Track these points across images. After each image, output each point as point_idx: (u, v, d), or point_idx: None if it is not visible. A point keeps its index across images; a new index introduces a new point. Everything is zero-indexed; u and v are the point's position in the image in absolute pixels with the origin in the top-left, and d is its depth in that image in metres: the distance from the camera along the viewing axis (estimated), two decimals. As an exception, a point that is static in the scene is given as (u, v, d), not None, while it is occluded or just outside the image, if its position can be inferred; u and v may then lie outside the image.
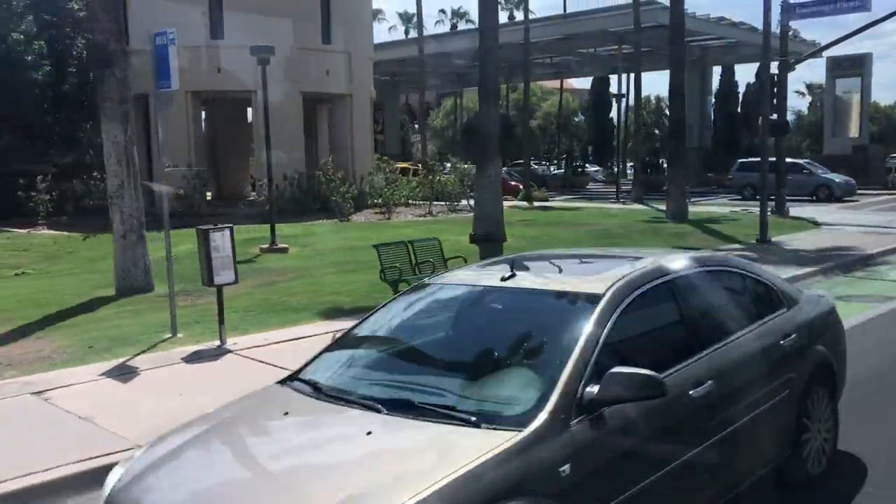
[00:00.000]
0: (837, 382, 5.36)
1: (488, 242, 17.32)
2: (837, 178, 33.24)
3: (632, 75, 38.18)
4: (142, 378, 7.48)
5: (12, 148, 24.39)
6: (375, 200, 25.92)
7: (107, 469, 4.09)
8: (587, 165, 67.41)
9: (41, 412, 6.50)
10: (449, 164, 27.56)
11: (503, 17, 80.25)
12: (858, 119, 41.66)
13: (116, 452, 5.44)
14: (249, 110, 29.46)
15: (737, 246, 17.17)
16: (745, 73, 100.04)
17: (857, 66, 41.12)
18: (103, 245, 20.62)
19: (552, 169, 63.58)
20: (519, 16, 77.56)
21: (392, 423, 3.53)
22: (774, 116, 22.16)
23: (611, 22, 39.80)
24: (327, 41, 26.59)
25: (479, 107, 17.71)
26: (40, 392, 6.97)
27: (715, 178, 45.00)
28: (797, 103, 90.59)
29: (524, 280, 4.54)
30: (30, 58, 23.95)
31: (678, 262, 4.73)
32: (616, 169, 46.49)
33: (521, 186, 36.55)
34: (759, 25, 26.01)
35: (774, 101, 22.70)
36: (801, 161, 35.12)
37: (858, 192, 33.77)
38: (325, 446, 3.63)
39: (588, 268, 5.15)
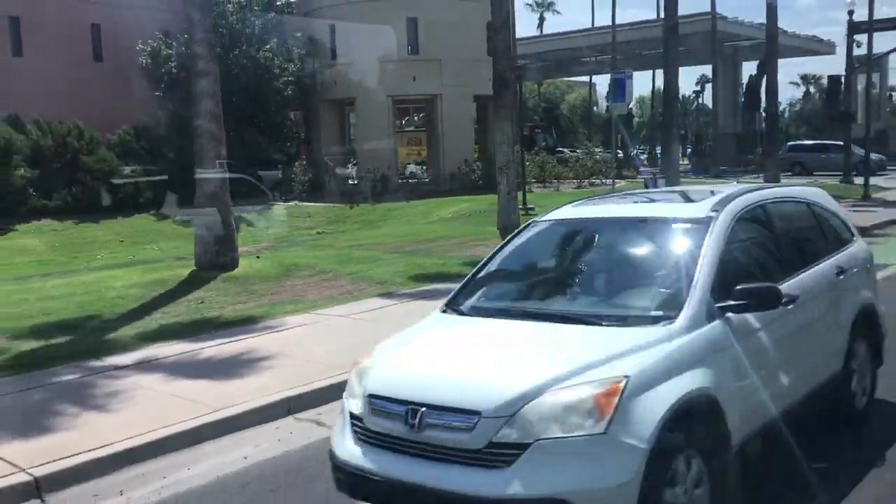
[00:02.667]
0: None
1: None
2: (873, 156, 40.98)
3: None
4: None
5: (259, 141, 31.25)
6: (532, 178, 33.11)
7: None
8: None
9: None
10: (580, 150, 34.69)
11: (534, 17, 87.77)
12: (877, 107, 49.59)
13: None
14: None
15: (850, 200, 24.69)
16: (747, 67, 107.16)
17: (876, 62, 48.97)
18: (369, 212, 27.77)
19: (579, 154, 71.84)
20: (549, 16, 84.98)
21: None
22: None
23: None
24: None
25: (665, 107, 25.15)
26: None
27: (755, 160, 52.92)
28: (794, 93, 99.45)
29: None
30: (276, 70, 30.87)
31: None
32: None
33: (603, 168, 44.01)
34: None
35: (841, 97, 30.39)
36: (841, 143, 42.90)
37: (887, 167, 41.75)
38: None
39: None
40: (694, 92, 58.18)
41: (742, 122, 63.33)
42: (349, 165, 32.09)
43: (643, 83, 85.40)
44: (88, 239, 24.65)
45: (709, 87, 77.94)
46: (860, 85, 51.26)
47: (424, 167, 38.50)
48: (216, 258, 13.34)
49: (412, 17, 31.60)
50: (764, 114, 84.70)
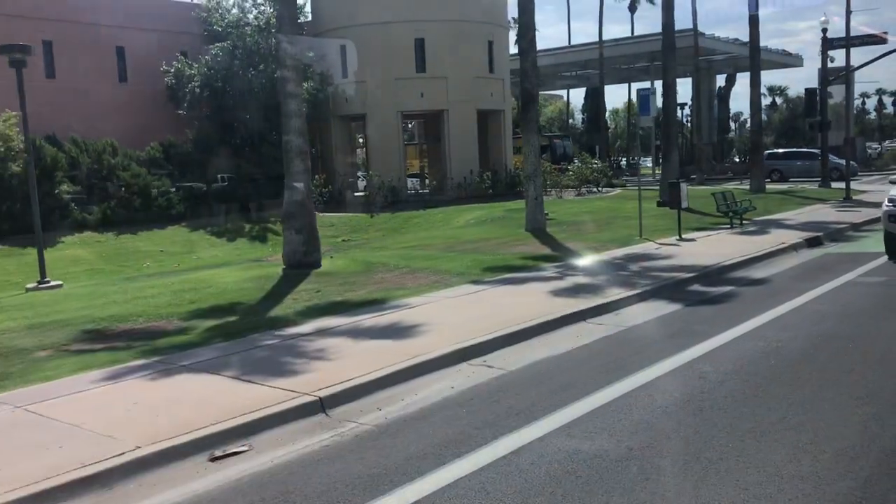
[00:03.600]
0: None
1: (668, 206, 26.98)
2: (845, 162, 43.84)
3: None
4: (674, 247, 16.75)
5: (275, 155, 32.95)
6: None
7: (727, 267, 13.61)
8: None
9: (660, 256, 15.76)
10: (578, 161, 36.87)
11: (511, 35, 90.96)
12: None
13: (723, 262, 14.65)
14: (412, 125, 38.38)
15: (833, 202, 27.12)
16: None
17: (847, 75, 51.99)
18: (389, 221, 29.57)
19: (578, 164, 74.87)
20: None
21: None
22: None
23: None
24: (492, 71, 35.81)
25: (665, 122, 27.38)
26: (660, 245, 16.27)
27: (731, 167, 55.82)
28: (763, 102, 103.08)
29: None
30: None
31: None
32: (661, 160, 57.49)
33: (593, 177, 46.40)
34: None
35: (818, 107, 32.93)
36: (816, 150, 45.77)
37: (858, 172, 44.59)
38: None
39: None
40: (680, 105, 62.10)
41: (717, 131, 66.45)
42: (360, 177, 33.91)
43: (619, 96, 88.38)
44: (131, 249, 26.18)
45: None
46: (833, 97, 54.51)
47: (424, 179, 40.50)
48: (304, 257, 15.16)
49: (419, 37, 33.61)
50: (732, 123, 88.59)
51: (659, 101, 30.47)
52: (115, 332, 10.16)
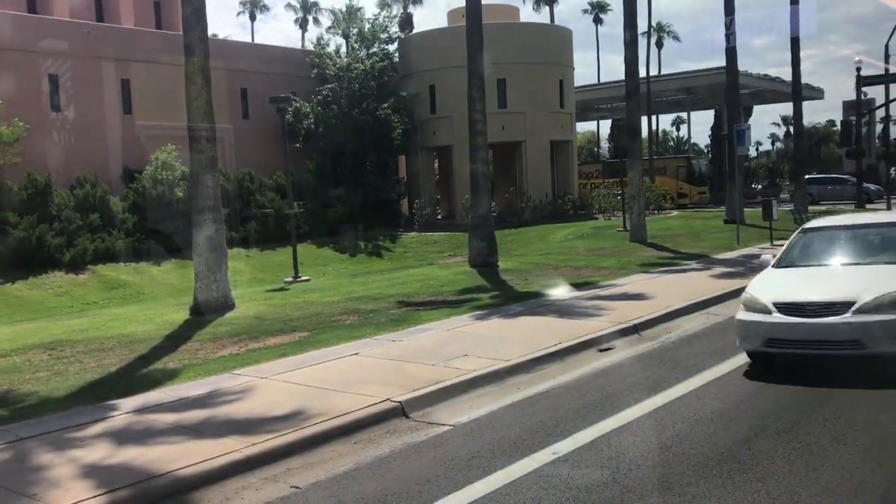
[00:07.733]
0: None
1: (734, 223, 31.07)
2: (872, 186, 48.18)
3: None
4: (775, 250, 20.92)
5: (374, 182, 37.35)
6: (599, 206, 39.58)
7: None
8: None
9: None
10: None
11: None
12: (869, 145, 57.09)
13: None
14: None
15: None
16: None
17: (865, 105, 56.56)
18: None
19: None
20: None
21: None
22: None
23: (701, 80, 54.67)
24: (562, 106, 40.30)
25: (730, 152, 31.57)
26: (762, 249, 20.47)
27: (760, 192, 60.29)
28: (763, 132, 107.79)
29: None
30: (393, 124, 37.14)
31: None
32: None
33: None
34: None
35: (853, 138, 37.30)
36: (845, 175, 50.22)
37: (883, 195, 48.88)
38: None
39: None
40: (710, 135, 67.18)
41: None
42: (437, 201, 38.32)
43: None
44: (276, 263, 30.38)
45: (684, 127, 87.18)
46: (864, 128, 59.02)
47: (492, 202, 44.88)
48: (486, 259, 19.40)
49: (501, 78, 38.03)
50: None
51: (696, 132, 34.64)
52: (418, 301, 14.34)
